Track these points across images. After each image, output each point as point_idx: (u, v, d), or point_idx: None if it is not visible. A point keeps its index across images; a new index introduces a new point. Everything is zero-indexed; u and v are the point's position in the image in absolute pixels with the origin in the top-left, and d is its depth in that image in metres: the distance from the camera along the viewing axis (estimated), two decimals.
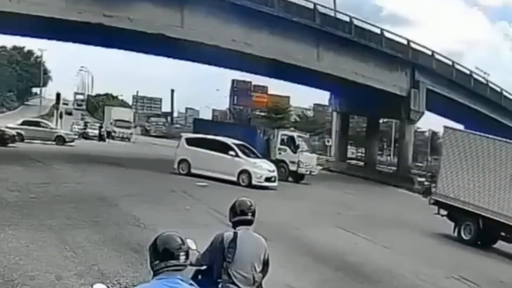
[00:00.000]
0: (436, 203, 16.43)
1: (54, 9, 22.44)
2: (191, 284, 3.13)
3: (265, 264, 4.49)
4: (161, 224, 10.25)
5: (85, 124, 51.24)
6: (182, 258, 3.05)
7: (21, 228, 9.62)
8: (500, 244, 14.91)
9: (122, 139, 50.46)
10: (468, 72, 40.86)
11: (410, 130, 38.55)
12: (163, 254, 3.04)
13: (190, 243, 4.00)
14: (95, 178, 17.85)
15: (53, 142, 32.94)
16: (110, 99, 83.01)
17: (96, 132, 47.34)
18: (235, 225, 4.50)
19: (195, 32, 25.98)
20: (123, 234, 10.07)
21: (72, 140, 35.46)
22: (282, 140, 27.31)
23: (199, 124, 33.55)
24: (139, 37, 25.91)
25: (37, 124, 35.33)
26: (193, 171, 21.18)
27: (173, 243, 3.07)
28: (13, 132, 29.50)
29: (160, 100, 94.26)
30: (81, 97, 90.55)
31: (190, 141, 22.52)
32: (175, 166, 21.91)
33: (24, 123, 34.04)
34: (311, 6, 30.61)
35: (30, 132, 32.62)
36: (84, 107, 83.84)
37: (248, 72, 42.64)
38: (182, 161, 21.81)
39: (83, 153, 27.97)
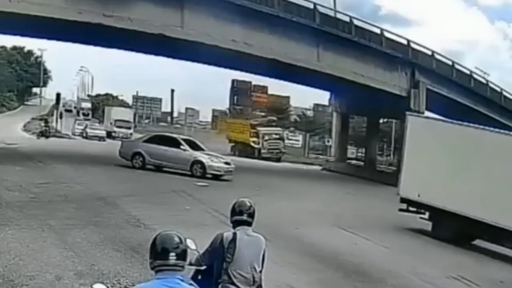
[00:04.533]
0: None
1: (54, 9, 22.40)
2: (191, 284, 3.13)
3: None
4: (161, 224, 10.25)
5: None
6: (173, 258, 3.03)
7: (21, 228, 9.61)
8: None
9: (123, 139, 50.45)
10: (468, 72, 40.80)
11: None
12: (157, 253, 3.05)
13: (190, 243, 4.00)
14: (95, 178, 17.84)
15: None
16: (110, 99, 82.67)
17: (97, 132, 47.22)
18: (234, 225, 4.50)
19: (195, 32, 25.94)
20: (123, 234, 10.07)
21: None
22: None
23: None
24: (139, 37, 25.86)
25: None
26: None
27: (168, 242, 3.07)
28: None
29: (160, 100, 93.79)
30: (87, 105, 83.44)
31: None
32: None
33: None
34: (311, 6, 30.58)
35: None
36: (90, 116, 77.24)
37: (248, 72, 42.60)
38: None
39: (85, 153, 27.99)
